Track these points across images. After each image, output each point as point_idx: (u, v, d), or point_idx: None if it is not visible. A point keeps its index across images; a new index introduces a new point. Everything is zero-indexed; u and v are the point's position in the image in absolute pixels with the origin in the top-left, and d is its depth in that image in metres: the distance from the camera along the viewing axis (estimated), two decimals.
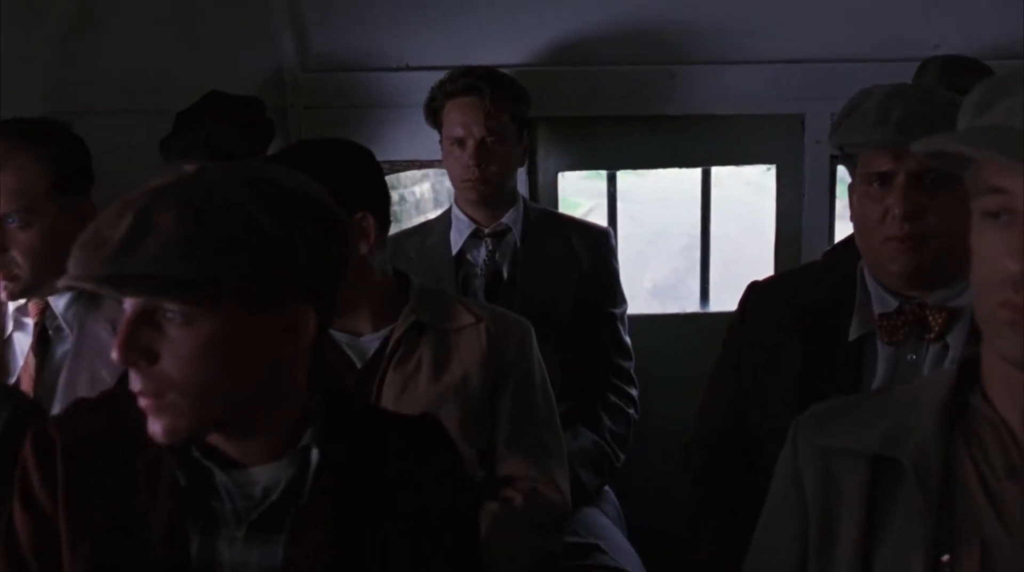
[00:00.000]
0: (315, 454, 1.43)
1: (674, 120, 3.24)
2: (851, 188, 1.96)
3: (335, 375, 2.00)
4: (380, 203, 2.03)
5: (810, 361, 1.95)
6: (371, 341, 2.07)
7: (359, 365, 2.06)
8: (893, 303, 1.90)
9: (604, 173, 3.38)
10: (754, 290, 2.15)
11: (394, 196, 3.38)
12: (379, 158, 2.89)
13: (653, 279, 3.32)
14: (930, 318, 1.86)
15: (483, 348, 2.09)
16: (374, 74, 3.22)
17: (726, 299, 3.20)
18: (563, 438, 2.22)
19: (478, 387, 2.08)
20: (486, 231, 2.86)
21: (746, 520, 1.99)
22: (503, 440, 2.11)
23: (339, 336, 2.07)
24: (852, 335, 1.93)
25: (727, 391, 2.11)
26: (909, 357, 1.89)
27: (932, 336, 1.87)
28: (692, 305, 3.47)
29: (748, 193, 3.89)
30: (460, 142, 2.75)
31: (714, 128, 3.27)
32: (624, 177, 3.40)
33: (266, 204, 1.31)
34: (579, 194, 3.37)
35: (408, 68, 3.21)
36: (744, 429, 2.07)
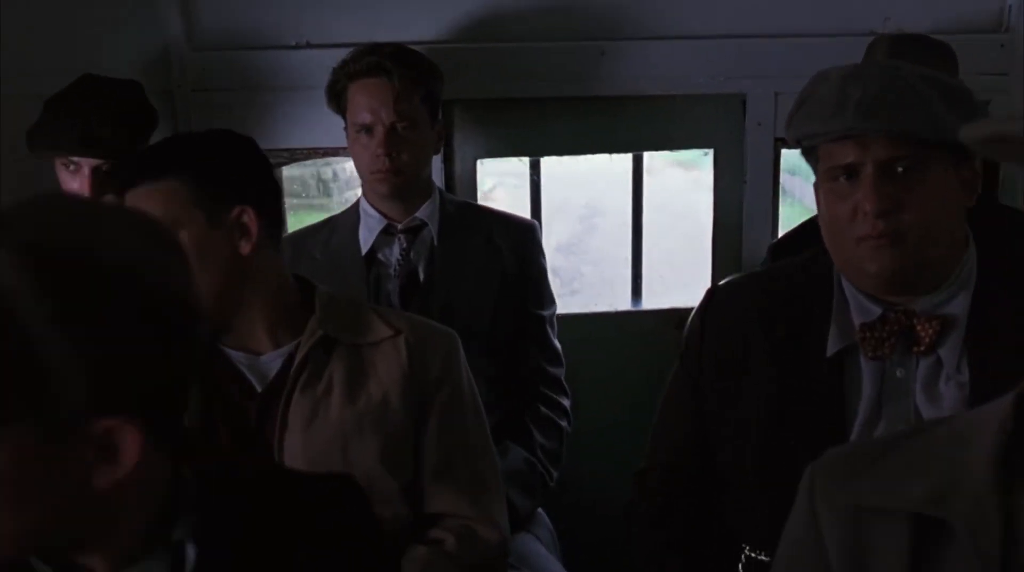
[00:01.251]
0: (191, 552, 1.16)
1: (604, 102, 3.09)
2: (816, 186, 1.75)
3: (232, 403, 1.82)
4: (263, 196, 1.85)
5: (783, 380, 1.75)
6: (272, 360, 1.86)
7: (260, 389, 1.84)
8: (876, 311, 1.70)
9: (527, 160, 3.21)
10: (714, 296, 1.92)
11: (327, 172, 3.15)
12: (277, 146, 3.00)
13: (578, 272, 3.15)
14: (919, 327, 1.67)
15: (403, 365, 1.88)
16: (270, 52, 3.02)
17: (659, 296, 3.30)
18: (499, 465, 2.00)
19: (400, 410, 1.87)
20: (399, 227, 2.66)
21: (711, 561, 1.82)
22: (431, 472, 1.90)
23: (235, 355, 1.86)
24: (830, 349, 1.72)
25: (686, 412, 1.90)
26: (897, 373, 1.69)
27: (922, 348, 1.67)
28: (623, 303, 3.35)
29: (683, 180, 3.71)
30: (367, 129, 2.54)
31: (647, 110, 3.12)
32: (547, 164, 3.24)
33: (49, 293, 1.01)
34: (489, 175, 3.11)
35: (308, 46, 3.02)
36: (707, 456, 1.86)
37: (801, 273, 1.83)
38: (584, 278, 3.38)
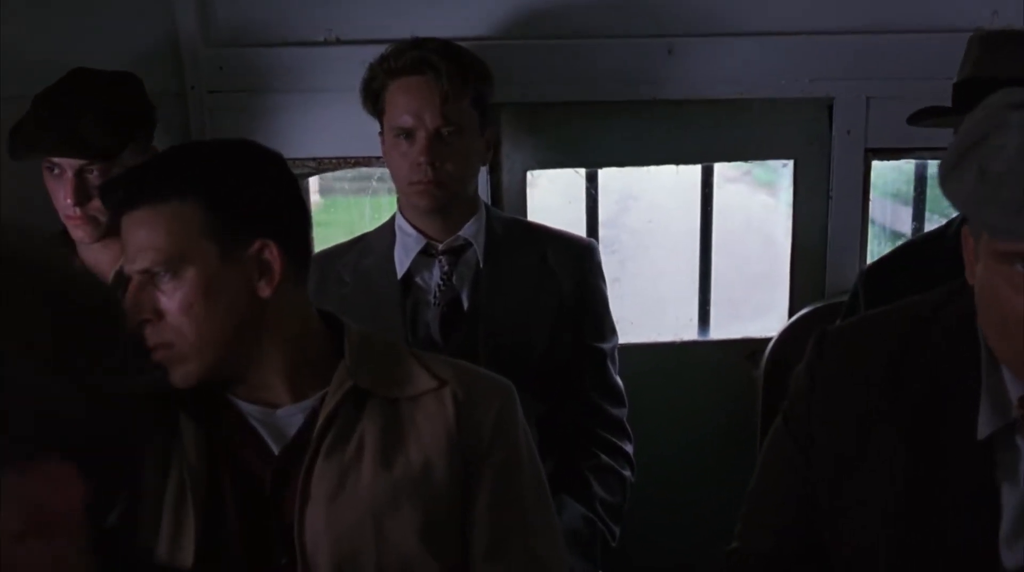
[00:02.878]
0: None
1: (671, 106, 2.86)
2: (966, 242, 1.44)
3: (242, 468, 1.59)
4: (290, 226, 1.65)
5: (919, 457, 1.46)
6: (292, 415, 1.63)
7: (276, 450, 1.60)
8: None
9: (583, 171, 2.98)
10: (826, 344, 1.62)
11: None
12: (303, 154, 2.80)
13: (641, 300, 2.92)
14: None
15: (449, 423, 1.64)
16: (295, 49, 2.81)
17: (729, 325, 3.10)
18: (561, 542, 1.73)
19: (445, 479, 1.62)
20: (440, 247, 2.43)
21: None
22: (482, 554, 1.64)
23: (247, 408, 1.62)
24: (983, 430, 1.43)
25: (791, 488, 1.61)
26: None
27: None
28: (689, 332, 3.12)
29: (757, 195, 3.47)
30: (407, 133, 2.32)
31: (719, 116, 2.89)
32: (605, 176, 3.02)
33: None
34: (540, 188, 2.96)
35: (338, 42, 2.81)
36: (817, 547, 1.57)
37: (934, 321, 1.53)
38: (644, 303, 3.15)
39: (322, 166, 2.91)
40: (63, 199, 2.30)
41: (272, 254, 1.58)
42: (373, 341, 1.72)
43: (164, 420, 1.60)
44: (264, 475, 1.58)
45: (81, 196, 2.28)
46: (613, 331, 2.56)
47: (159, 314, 1.55)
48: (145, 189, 1.56)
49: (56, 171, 2.30)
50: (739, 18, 2.79)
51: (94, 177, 2.29)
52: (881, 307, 1.66)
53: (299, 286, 1.66)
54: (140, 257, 1.55)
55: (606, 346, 2.53)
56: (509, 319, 2.41)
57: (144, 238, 1.54)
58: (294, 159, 2.76)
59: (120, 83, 2.39)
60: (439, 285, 2.42)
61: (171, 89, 2.78)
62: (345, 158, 2.89)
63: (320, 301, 2.34)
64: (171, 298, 1.54)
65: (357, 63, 2.43)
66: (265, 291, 1.58)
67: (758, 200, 3.44)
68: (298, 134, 2.83)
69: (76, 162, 2.27)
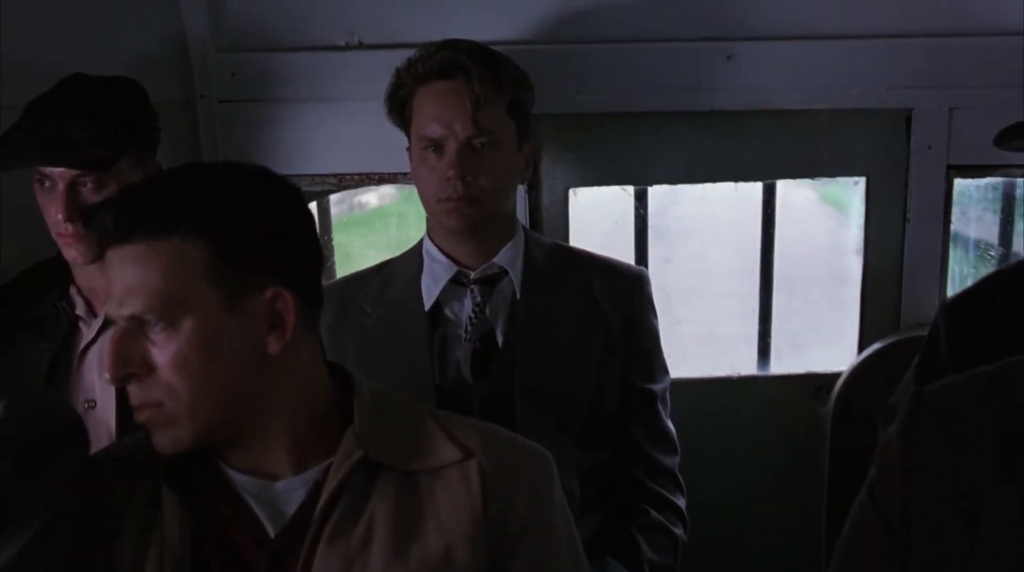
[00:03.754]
0: None
1: (729, 117, 2.71)
2: None
3: (232, 551, 1.41)
4: (306, 270, 1.50)
5: None
6: (292, 490, 1.45)
7: (272, 532, 1.41)
8: None
9: (631, 189, 2.83)
10: (924, 409, 1.38)
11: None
12: (322, 170, 2.70)
13: (695, 331, 2.75)
14: None
15: (475, 502, 1.46)
16: (314, 54, 2.67)
17: (792, 358, 2.98)
18: None
19: (469, 568, 1.41)
20: (472, 275, 2.25)
21: None
22: None
23: (240, 480, 1.44)
24: None
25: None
26: None
27: None
28: (747, 365, 2.96)
29: (822, 214, 3.31)
30: (436, 145, 2.15)
31: (784, 128, 2.74)
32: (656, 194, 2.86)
33: None
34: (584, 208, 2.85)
35: (361, 46, 2.68)
36: None
37: None
38: (698, 334, 3.02)
39: (343, 183, 2.77)
40: (54, 215, 2.16)
41: (286, 304, 1.43)
42: (388, 400, 1.54)
43: (144, 490, 1.41)
44: (257, 561, 1.39)
45: (73, 211, 2.15)
46: (665, 370, 2.38)
47: (148, 368, 1.37)
48: (141, 220, 1.38)
49: (47, 184, 2.17)
50: (806, 19, 2.63)
51: (88, 190, 2.16)
52: (985, 366, 1.44)
53: (311, 338, 1.50)
54: (129, 300, 1.37)
55: (657, 388, 2.35)
56: (548, 358, 2.23)
57: (136, 279, 1.37)
58: (313, 175, 2.69)
59: (116, 87, 2.27)
60: (471, 318, 2.24)
61: (178, 98, 2.66)
62: (369, 174, 2.75)
63: (340, 334, 2.24)
64: (164, 351, 1.37)
65: (382, 69, 2.28)
66: (275, 347, 1.42)
67: (826, 221, 3.28)
68: (317, 148, 2.70)
69: (68, 173, 2.14)
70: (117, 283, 1.38)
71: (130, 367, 1.37)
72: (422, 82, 2.18)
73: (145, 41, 2.65)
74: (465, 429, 1.53)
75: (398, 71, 2.22)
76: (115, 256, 1.38)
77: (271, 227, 1.44)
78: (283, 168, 2.54)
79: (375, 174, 2.74)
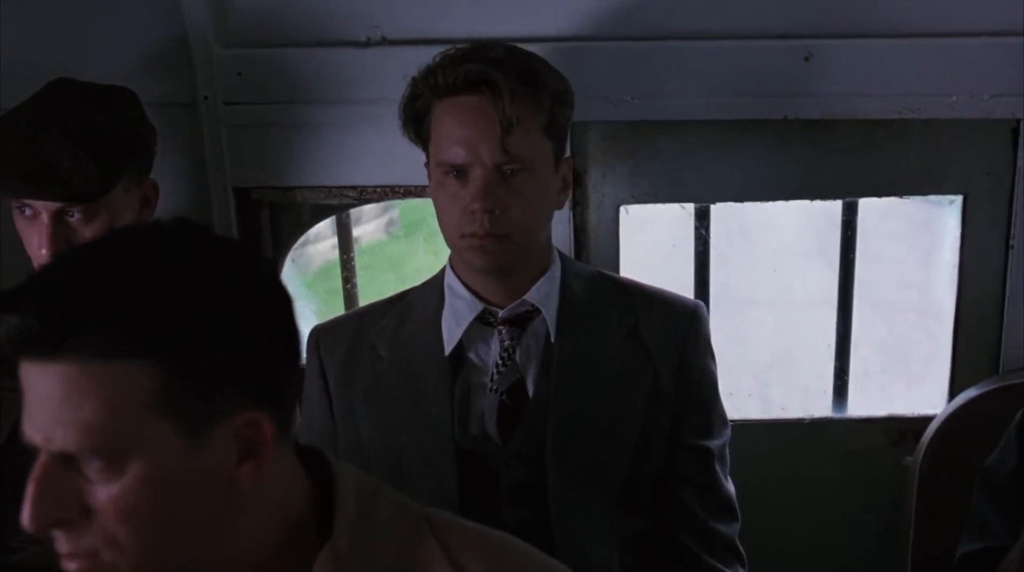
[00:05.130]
0: None
1: (806, 127, 2.54)
2: None
3: None
4: (283, 379, 1.27)
5: None
6: None
7: None
8: None
9: (691, 207, 2.66)
10: None
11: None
12: (340, 182, 2.58)
13: (760, 368, 2.61)
14: None
15: None
16: (331, 51, 2.52)
17: (872, 399, 2.91)
18: None
19: None
20: (500, 314, 2.04)
21: None
22: None
23: None
24: None
25: None
26: None
27: None
28: (820, 407, 2.79)
29: (915, 240, 3.12)
30: (458, 170, 1.94)
31: (869, 139, 2.54)
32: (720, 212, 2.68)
33: None
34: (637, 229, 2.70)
35: (384, 42, 2.50)
36: None
37: None
38: (764, 371, 2.95)
39: (364, 196, 2.61)
40: (37, 247, 2.05)
41: (261, 432, 1.20)
42: (377, 504, 1.31)
43: None
44: None
45: (60, 244, 2.04)
46: (723, 422, 2.16)
47: (83, 512, 1.13)
48: (74, 332, 1.11)
49: (28, 212, 2.06)
50: (897, 15, 2.42)
51: (76, 221, 2.05)
52: None
53: (285, 452, 1.28)
54: (58, 434, 1.11)
55: (714, 444, 2.13)
56: (587, 411, 2.04)
57: (67, 409, 1.11)
58: (330, 187, 2.56)
59: (107, 99, 2.14)
60: (498, 364, 2.03)
61: (179, 99, 2.52)
62: (393, 187, 2.59)
63: (350, 378, 2.06)
64: (103, 494, 1.13)
65: (408, 68, 2.08)
66: (246, 480, 1.20)
67: (915, 245, 3.07)
68: (335, 156, 2.55)
69: (53, 204, 2.03)
70: (39, 407, 1.13)
71: (59, 512, 1.12)
72: (442, 96, 1.97)
73: (143, 37, 2.53)
74: (470, 546, 1.31)
75: (414, 80, 2.01)
76: (35, 372, 1.12)
77: (244, 334, 1.19)
78: (296, 179, 2.53)
79: (399, 187, 2.58)
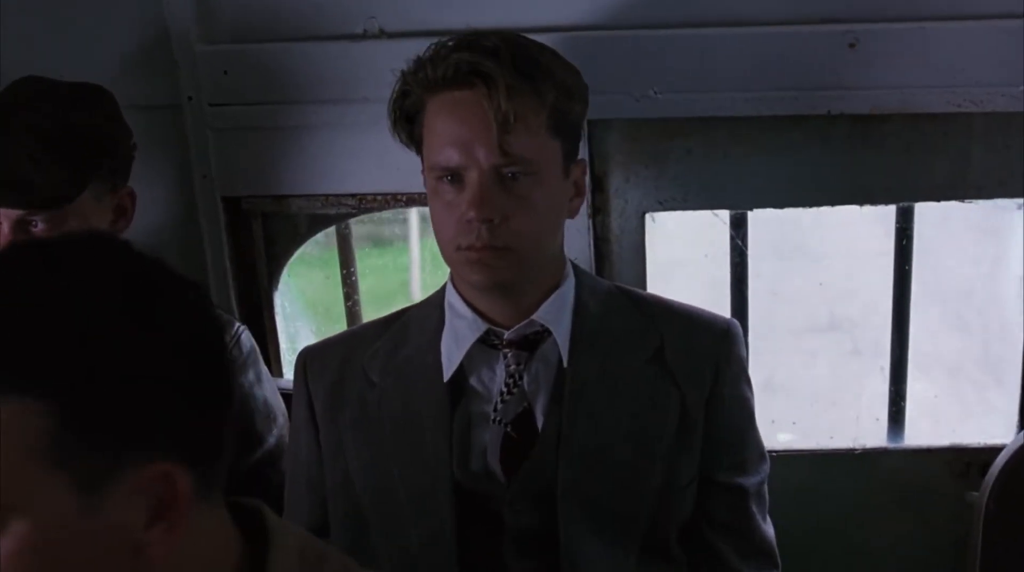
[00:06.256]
0: None
1: (853, 123, 2.38)
2: None
3: None
4: (207, 430, 1.13)
5: None
6: None
7: None
8: None
9: (725, 214, 2.53)
10: None
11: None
12: (338, 190, 2.51)
13: (805, 392, 2.47)
14: None
15: None
16: (325, 46, 2.42)
17: (931, 427, 2.71)
18: None
19: None
20: (506, 336, 1.89)
21: None
22: None
23: None
24: None
25: None
26: None
27: None
28: (875, 436, 2.65)
29: (978, 248, 2.95)
30: (452, 175, 1.81)
31: (925, 136, 2.40)
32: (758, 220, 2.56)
33: None
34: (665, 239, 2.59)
35: (383, 35, 2.40)
36: None
37: None
38: (810, 396, 2.73)
39: (364, 205, 2.52)
40: None
41: (175, 487, 1.06)
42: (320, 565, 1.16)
43: None
44: None
45: None
46: (761, 457, 2.01)
47: None
48: None
49: None
50: None
51: (40, 231, 1.99)
52: None
53: (208, 512, 1.14)
54: None
55: (749, 482, 1.98)
56: (604, 446, 1.89)
57: None
58: (327, 195, 2.50)
59: (78, 98, 2.07)
60: (503, 392, 1.88)
61: (162, 100, 2.45)
62: (395, 194, 2.50)
63: (338, 409, 1.95)
64: None
65: (408, 62, 1.96)
66: (156, 545, 1.07)
67: (978, 255, 2.91)
68: (332, 162, 2.46)
69: (15, 211, 1.98)
70: None
71: None
72: (433, 91, 1.84)
73: (121, 34, 2.45)
74: None
75: (403, 75, 1.88)
76: None
77: (158, 374, 1.05)
78: (290, 187, 2.42)
79: (402, 194, 2.48)
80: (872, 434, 2.66)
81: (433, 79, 1.81)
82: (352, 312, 2.60)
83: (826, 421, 2.57)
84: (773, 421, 2.26)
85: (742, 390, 1.97)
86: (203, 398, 1.09)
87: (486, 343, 1.89)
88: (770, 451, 2.11)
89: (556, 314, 1.89)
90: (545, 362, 1.89)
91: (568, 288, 1.92)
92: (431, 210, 1.87)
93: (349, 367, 1.96)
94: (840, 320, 2.81)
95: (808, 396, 2.61)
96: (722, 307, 2.44)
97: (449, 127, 1.81)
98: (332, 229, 2.56)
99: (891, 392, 2.62)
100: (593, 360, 1.90)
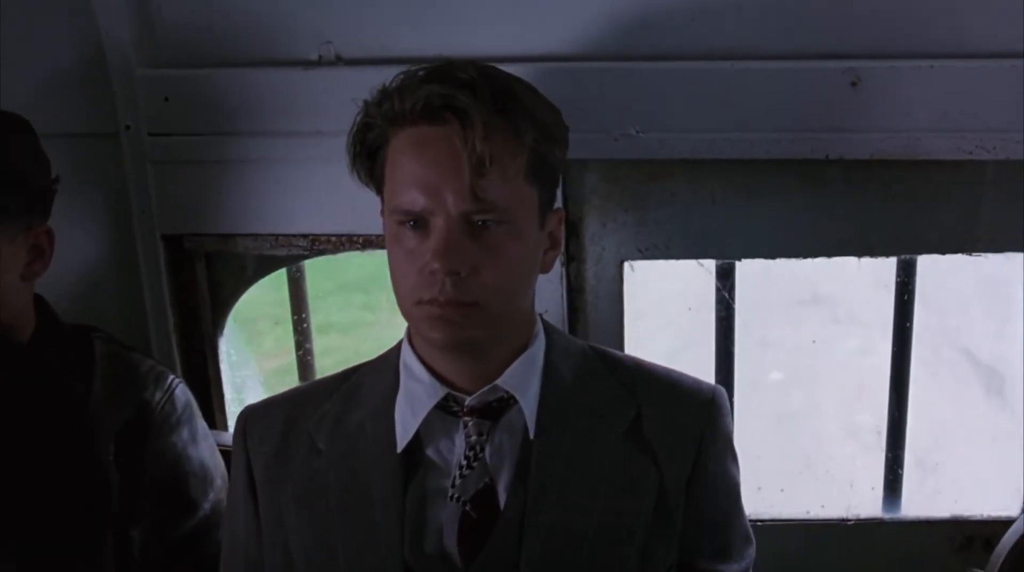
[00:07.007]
0: None
1: (853, 168, 2.28)
2: None
3: None
4: None
5: None
6: None
7: None
8: None
9: (711, 264, 2.44)
10: None
11: None
12: (289, 230, 2.42)
13: (794, 458, 2.37)
14: None
15: None
16: (276, 73, 2.32)
17: (932, 497, 2.69)
18: None
19: None
20: (467, 402, 1.74)
21: None
22: None
23: None
24: None
25: None
26: None
27: None
28: (869, 506, 2.57)
29: (984, 304, 2.86)
30: (416, 221, 1.67)
31: (930, 184, 2.31)
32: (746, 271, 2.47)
33: None
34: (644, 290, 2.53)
35: (339, 61, 2.30)
36: None
37: None
38: (800, 462, 2.67)
39: (317, 247, 2.41)
40: None
41: None
42: None
43: None
44: None
45: None
46: (747, 540, 1.86)
47: None
48: None
49: None
50: (966, 31, 2.18)
51: None
52: None
53: None
54: None
55: (734, 568, 1.84)
56: (573, 529, 1.73)
57: None
58: (277, 236, 2.39)
59: None
60: (462, 465, 1.73)
61: (97, 129, 2.34)
62: (351, 236, 2.39)
63: (280, 480, 1.79)
64: None
65: (368, 93, 1.83)
66: None
67: (983, 312, 2.80)
68: (281, 199, 2.36)
69: None
70: None
71: None
72: (399, 125, 1.69)
73: (52, 55, 2.35)
74: None
75: (366, 106, 1.74)
76: None
77: None
78: (236, 226, 2.31)
79: (358, 236, 2.37)
80: (867, 503, 2.56)
81: (400, 112, 1.67)
82: (304, 362, 2.48)
83: (817, 488, 2.47)
84: (760, 488, 2.18)
85: (727, 467, 1.82)
86: None
87: (445, 410, 1.74)
88: (756, 520, 2.02)
89: (523, 379, 1.74)
90: (510, 433, 1.73)
91: (537, 349, 1.77)
92: (389, 258, 1.72)
93: (293, 432, 1.81)
94: (833, 379, 2.68)
95: (797, 460, 2.49)
96: (707, 365, 2.35)
97: (415, 167, 1.65)
98: (282, 271, 2.44)
99: (888, 458, 2.54)
100: (563, 432, 1.75)
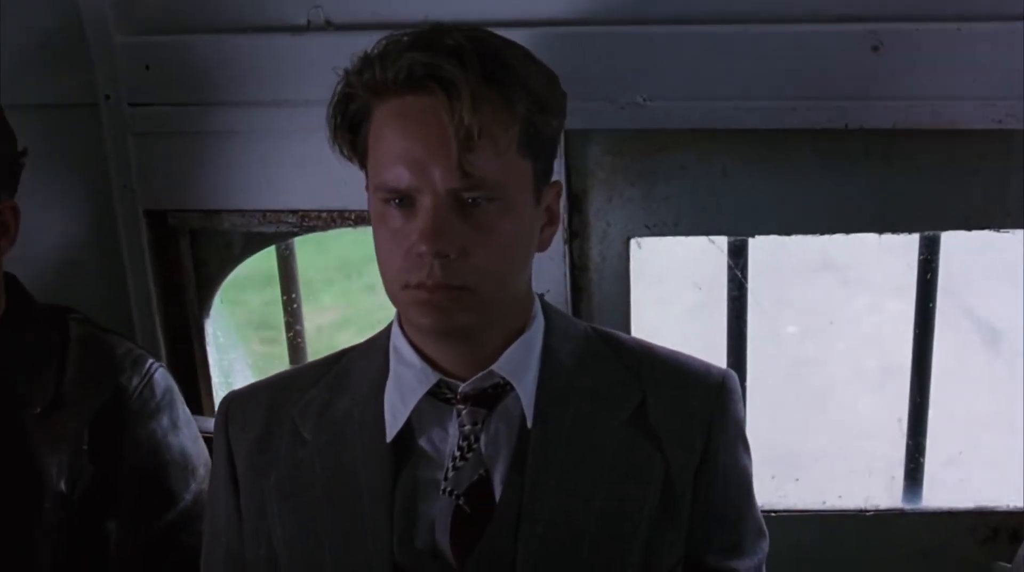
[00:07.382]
0: None
1: (874, 139, 2.21)
2: None
3: None
4: None
5: None
6: None
7: None
8: None
9: (722, 241, 2.36)
10: None
11: None
12: (276, 206, 2.38)
13: (809, 446, 2.29)
14: None
15: None
16: (262, 38, 2.25)
17: (954, 487, 2.66)
18: None
19: None
20: (461, 389, 1.68)
21: None
22: None
23: None
24: None
25: None
26: None
27: None
28: (889, 496, 2.50)
29: (1010, 286, 2.79)
30: (402, 198, 1.60)
31: (957, 157, 2.22)
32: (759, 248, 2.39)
33: None
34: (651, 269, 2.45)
35: (329, 27, 2.23)
36: None
37: None
38: (815, 450, 2.61)
39: (306, 224, 2.34)
40: None
41: None
42: None
43: None
44: None
45: None
46: (760, 534, 1.79)
47: None
48: None
49: None
50: None
51: None
52: None
53: None
54: None
55: (746, 566, 1.76)
56: (574, 523, 1.67)
57: None
58: (264, 211, 2.35)
59: None
60: (455, 456, 1.66)
61: (75, 100, 2.29)
62: (342, 212, 2.31)
63: (262, 469, 1.76)
64: None
65: (353, 60, 1.76)
66: None
67: (1012, 294, 2.73)
68: (269, 173, 2.29)
69: None
70: None
71: None
72: (381, 96, 1.61)
73: (26, 22, 2.29)
74: None
75: (347, 74, 1.66)
76: None
77: None
78: (222, 201, 2.28)
79: (350, 212, 2.30)
80: (887, 494, 2.51)
81: (382, 81, 1.58)
82: (294, 344, 2.41)
83: (834, 478, 2.39)
84: (774, 477, 2.15)
85: (738, 456, 1.75)
86: None
87: (437, 397, 1.67)
88: (771, 511, 1.96)
89: (520, 364, 1.67)
90: (506, 421, 1.67)
91: (535, 333, 1.70)
92: (375, 237, 1.64)
93: (277, 419, 1.74)
94: (852, 363, 2.60)
95: (813, 449, 2.40)
96: (717, 347, 2.26)
97: (400, 141, 1.58)
98: (271, 249, 2.37)
99: (909, 446, 2.47)
100: (562, 420, 1.68)
